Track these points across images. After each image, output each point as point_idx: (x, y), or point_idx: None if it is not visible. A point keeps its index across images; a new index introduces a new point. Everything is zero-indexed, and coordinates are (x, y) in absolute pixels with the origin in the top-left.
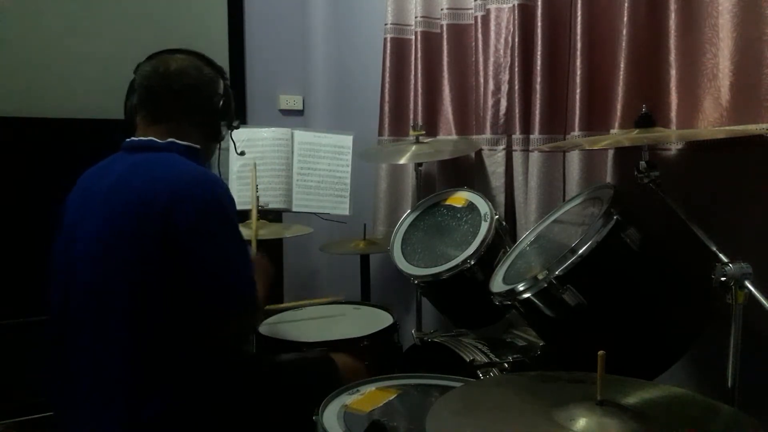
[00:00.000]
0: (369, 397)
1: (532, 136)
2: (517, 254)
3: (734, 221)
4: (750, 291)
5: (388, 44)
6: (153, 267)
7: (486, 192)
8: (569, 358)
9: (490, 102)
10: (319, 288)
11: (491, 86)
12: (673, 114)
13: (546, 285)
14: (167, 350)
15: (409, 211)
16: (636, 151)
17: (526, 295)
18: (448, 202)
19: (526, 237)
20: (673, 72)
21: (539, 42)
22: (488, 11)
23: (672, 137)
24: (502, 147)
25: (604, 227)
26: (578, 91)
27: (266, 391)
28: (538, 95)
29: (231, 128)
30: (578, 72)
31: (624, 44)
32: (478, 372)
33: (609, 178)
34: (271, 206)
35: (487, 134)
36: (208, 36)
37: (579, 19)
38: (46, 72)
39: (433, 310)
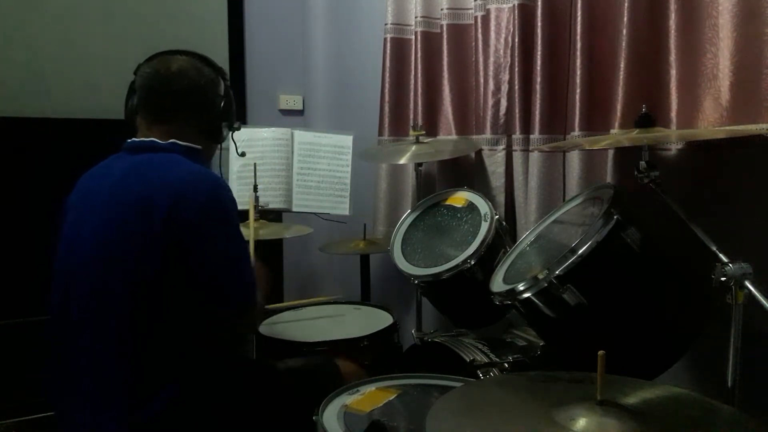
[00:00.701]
0: (369, 397)
1: (532, 136)
2: (517, 254)
3: (734, 221)
4: (750, 291)
5: (388, 44)
6: (154, 267)
7: (486, 192)
8: (569, 358)
9: (490, 102)
10: (319, 288)
11: (491, 86)
12: (673, 114)
13: (546, 285)
14: (167, 350)
15: (409, 211)
16: (636, 151)
17: (526, 295)
18: (448, 202)
19: (526, 237)
20: (673, 72)
21: (539, 42)
22: (488, 11)
23: (672, 137)
24: (502, 147)
25: (604, 227)
26: (578, 91)
27: (266, 391)
28: (538, 95)
29: (232, 129)
30: (578, 72)
31: (624, 44)
32: (478, 372)
33: (609, 178)
34: (271, 206)
35: (487, 134)
36: (208, 36)
37: (579, 19)
38: (46, 72)
39: (433, 310)
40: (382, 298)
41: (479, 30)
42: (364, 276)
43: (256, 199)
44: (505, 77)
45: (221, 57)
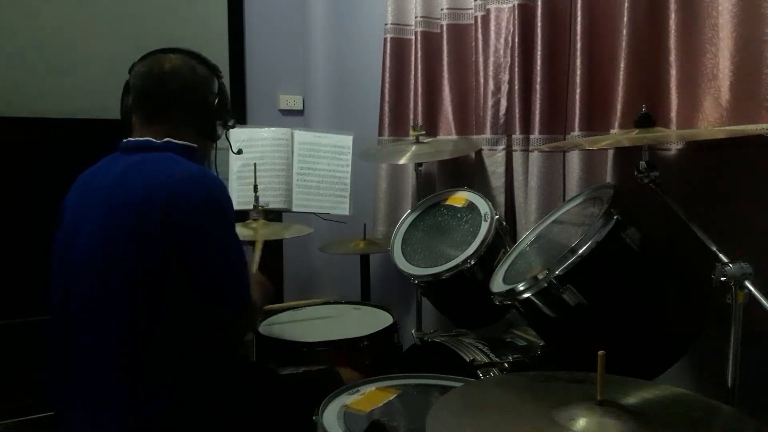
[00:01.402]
0: (369, 397)
1: (532, 136)
2: (517, 254)
3: (734, 221)
4: (750, 291)
5: (388, 44)
6: (152, 266)
7: (486, 192)
8: (569, 358)
9: (490, 102)
10: (319, 288)
11: (491, 86)
12: (673, 114)
13: (546, 285)
14: (167, 350)
15: (409, 211)
16: (636, 151)
17: (526, 295)
18: (448, 202)
19: (526, 237)
20: (673, 72)
21: (539, 42)
22: (488, 11)
23: (672, 137)
24: (502, 147)
25: (604, 227)
26: (578, 91)
27: (266, 391)
28: (538, 95)
29: (227, 127)
30: (578, 72)
31: (624, 44)
32: (478, 372)
33: (609, 178)
34: (271, 206)
35: (487, 134)
36: (208, 36)
37: (579, 19)
38: (46, 72)
39: (433, 310)
40: (382, 298)
41: (479, 30)
42: (364, 276)
43: (256, 198)
44: (505, 77)
45: (221, 57)
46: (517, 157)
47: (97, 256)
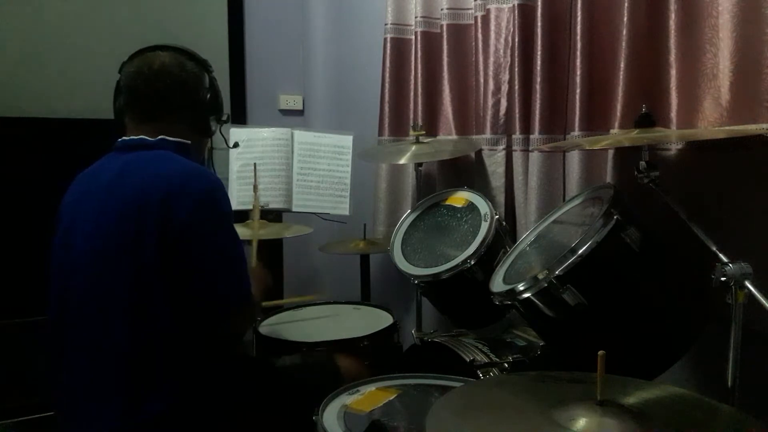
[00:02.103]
0: (369, 397)
1: (532, 136)
2: (517, 254)
3: (734, 221)
4: (750, 291)
5: (388, 44)
6: (150, 264)
7: (486, 192)
8: (569, 358)
9: (490, 102)
10: (319, 288)
11: (491, 86)
12: (673, 114)
13: (546, 285)
14: (166, 349)
15: (409, 211)
16: (636, 151)
17: (526, 295)
18: (448, 202)
19: (526, 237)
20: (673, 72)
21: (539, 42)
22: (488, 11)
23: (672, 137)
24: (502, 147)
25: (604, 227)
26: (578, 91)
27: (266, 390)
28: (538, 95)
29: (220, 122)
30: (578, 72)
31: (624, 44)
32: (478, 372)
33: (609, 178)
34: (271, 206)
35: (487, 134)
36: (208, 36)
37: (579, 19)
38: (45, 72)
39: (433, 310)
40: (382, 298)
41: (479, 30)
42: (364, 276)
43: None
44: (505, 77)
45: (221, 57)
46: (517, 157)
47: (95, 255)
